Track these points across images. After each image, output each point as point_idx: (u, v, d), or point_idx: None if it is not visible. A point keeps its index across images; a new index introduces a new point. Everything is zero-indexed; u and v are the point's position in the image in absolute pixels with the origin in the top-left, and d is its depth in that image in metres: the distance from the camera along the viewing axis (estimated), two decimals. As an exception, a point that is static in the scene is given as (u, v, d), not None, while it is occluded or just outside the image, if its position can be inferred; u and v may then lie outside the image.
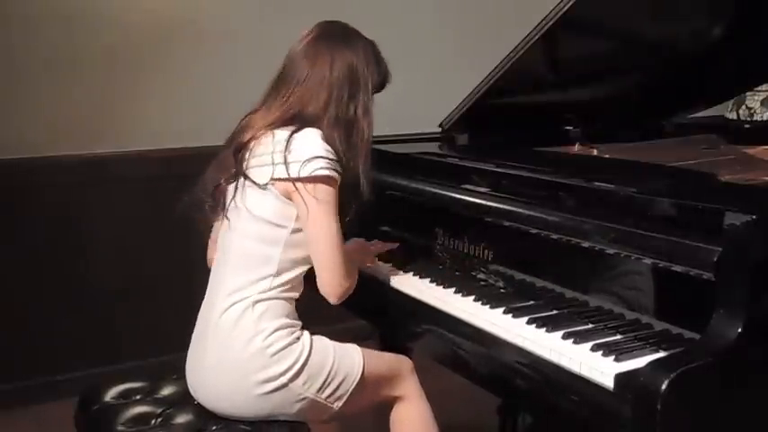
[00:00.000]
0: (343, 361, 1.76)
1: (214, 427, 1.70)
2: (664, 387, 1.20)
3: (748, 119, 3.48)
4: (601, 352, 1.41)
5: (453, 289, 1.80)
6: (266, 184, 1.71)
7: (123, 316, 3.18)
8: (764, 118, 3.46)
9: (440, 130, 2.40)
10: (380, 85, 1.87)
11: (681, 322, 1.40)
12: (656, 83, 2.41)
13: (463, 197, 1.86)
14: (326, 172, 1.68)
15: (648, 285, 1.47)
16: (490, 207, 1.77)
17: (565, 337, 1.50)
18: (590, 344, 1.44)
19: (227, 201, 1.78)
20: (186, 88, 3.16)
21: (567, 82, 2.31)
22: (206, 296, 1.81)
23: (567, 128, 2.42)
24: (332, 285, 1.71)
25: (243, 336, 1.69)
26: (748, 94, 3.44)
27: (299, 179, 1.67)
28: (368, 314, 2.11)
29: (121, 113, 3.17)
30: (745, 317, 1.26)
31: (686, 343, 1.37)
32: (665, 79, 2.40)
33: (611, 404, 1.31)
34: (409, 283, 1.91)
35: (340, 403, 1.76)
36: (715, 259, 1.28)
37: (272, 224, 1.72)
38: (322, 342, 1.77)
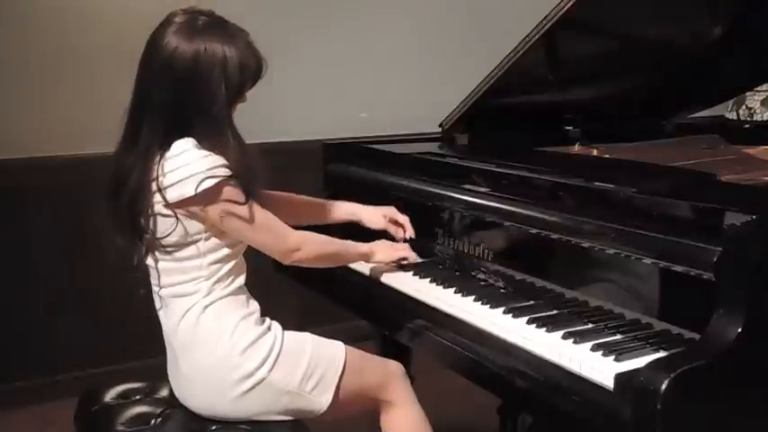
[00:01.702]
0: (322, 350, 1.74)
1: (213, 427, 1.70)
2: (664, 387, 1.19)
3: (748, 119, 3.48)
4: (601, 352, 1.41)
5: (453, 289, 1.80)
6: (164, 212, 1.64)
7: (123, 316, 3.18)
8: (764, 118, 3.46)
9: (440, 130, 2.40)
10: (255, 78, 1.71)
11: (681, 322, 1.40)
12: (656, 83, 2.41)
13: (463, 197, 1.86)
14: (211, 183, 1.59)
15: (648, 285, 1.47)
16: (490, 207, 1.77)
17: (565, 337, 1.50)
18: (590, 344, 1.44)
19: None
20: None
21: (567, 82, 2.31)
22: (158, 306, 1.78)
23: (567, 128, 2.42)
24: (282, 251, 1.75)
25: (207, 340, 1.67)
26: (748, 94, 3.44)
27: (190, 199, 1.60)
28: (368, 314, 2.11)
29: (118, 114, 3.16)
30: (745, 317, 1.25)
31: (686, 343, 1.37)
32: (666, 79, 2.40)
33: (611, 404, 1.31)
34: (409, 283, 1.91)
35: (327, 397, 1.72)
36: (715, 259, 1.28)
37: (184, 244, 1.66)
38: (296, 336, 1.75)
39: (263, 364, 1.66)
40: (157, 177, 1.62)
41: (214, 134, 1.64)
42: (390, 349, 2.15)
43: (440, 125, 2.39)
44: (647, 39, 2.27)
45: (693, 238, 1.33)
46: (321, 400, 1.72)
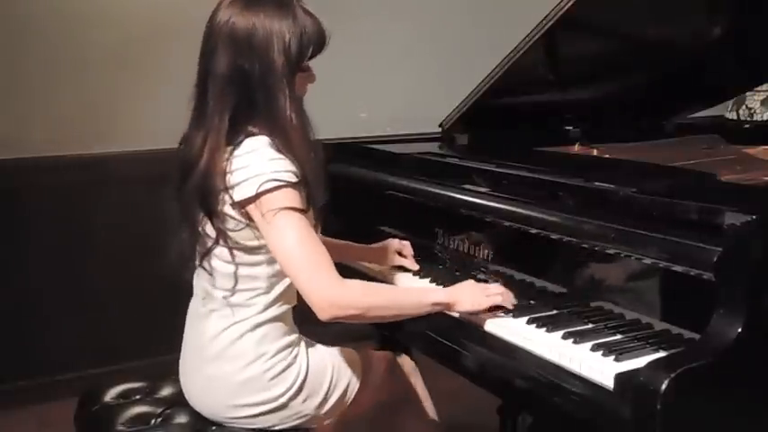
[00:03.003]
0: (342, 373, 1.74)
1: (214, 428, 1.70)
2: (664, 387, 1.20)
3: (748, 119, 3.48)
4: (601, 352, 1.41)
5: (453, 289, 1.80)
6: (231, 213, 1.58)
7: (123, 316, 3.18)
8: (764, 118, 3.46)
9: (440, 130, 2.40)
10: (316, 45, 1.66)
11: (681, 322, 1.40)
12: (656, 83, 2.41)
13: (463, 197, 1.86)
14: (273, 184, 1.53)
15: (648, 285, 1.47)
16: (490, 207, 1.77)
17: (565, 337, 1.50)
18: (590, 344, 1.44)
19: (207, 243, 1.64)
20: (186, 88, 3.16)
21: (568, 82, 2.31)
22: (194, 306, 1.73)
23: (567, 128, 2.42)
24: (316, 298, 1.52)
25: (242, 358, 1.64)
26: (748, 94, 3.43)
27: (247, 201, 1.55)
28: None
29: (122, 113, 3.17)
30: (745, 317, 1.25)
31: (686, 343, 1.37)
32: (665, 79, 2.40)
33: (611, 404, 1.31)
34: (409, 283, 1.91)
35: (337, 414, 1.75)
36: (715, 259, 1.28)
37: (248, 247, 1.61)
38: (319, 355, 1.73)
39: (285, 392, 1.65)
40: (226, 174, 1.57)
41: (275, 111, 1.57)
42: (391, 349, 2.15)
43: (440, 125, 2.40)
44: (647, 39, 2.27)
45: (693, 238, 1.33)
46: (331, 418, 1.75)
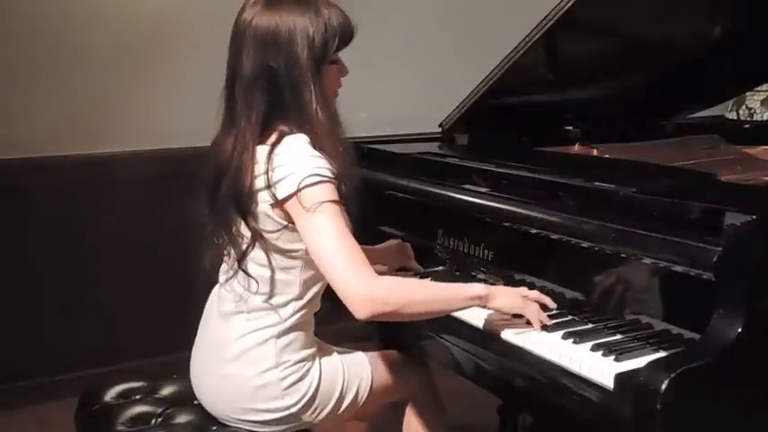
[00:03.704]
0: (353, 379, 1.74)
1: (214, 428, 1.70)
2: (663, 387, 1.20)
3: (748, 119, 3.48)
4: (601, 352, 1.41)
5: (453, 289, 1.80)
6: (270, 214, 1.57)
7: (123, 316, 3.18)
8: (764, 118, 3.46)
9: (440, 130, 2.40)
10: (342, 36, 1.64)
11: (681, 322, 1.40)
12: (656, 83, 2.41)
13: (463, 197, 1.86)
14: (314, 179, 1.51)
15: (648, 285, 1.47)
16: (490, 207, 1.77)
17: (565, 337, 1.50)
18: (590, 344, 1.45)
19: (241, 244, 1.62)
20: (187, 88, 3.16)
21: (568, 82, 2.31)
22: (219, 305, 1.70)
23: (567, 128, 2.42)
24: (353, 294, 1.48)
25: (261, 363, 1.63)
26: (748, 94, 3.44)
27: (288, 198, 1.53)
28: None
29: (122, 113, 3.17)
30: (745, 317, 1.26)
31: (686, 343, 1.37)
32: (666, 79, 2.40)
33: (611, 404, 1.31)
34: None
35: (347, 416, 1.76)
36: (715, 259, 1.28)
37: (284, 250, 1.60)
38: (331, 364, 1.72)
39: (297, 403, 1.65)
40: (267, 172, 1.55)
41: (301, 107, 1.57)
42: (396, 348, 2.15)
43: (440, 125, 2.40)
44: (647, 39, 2.27)
45: (693, 238, 1.33)
46: (339, 420, 1.76)
